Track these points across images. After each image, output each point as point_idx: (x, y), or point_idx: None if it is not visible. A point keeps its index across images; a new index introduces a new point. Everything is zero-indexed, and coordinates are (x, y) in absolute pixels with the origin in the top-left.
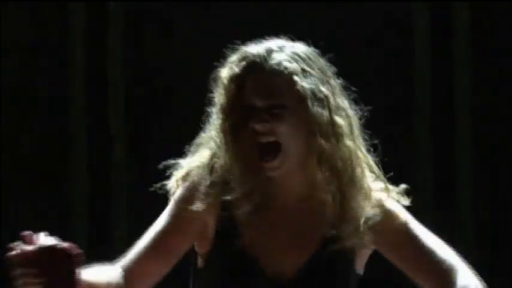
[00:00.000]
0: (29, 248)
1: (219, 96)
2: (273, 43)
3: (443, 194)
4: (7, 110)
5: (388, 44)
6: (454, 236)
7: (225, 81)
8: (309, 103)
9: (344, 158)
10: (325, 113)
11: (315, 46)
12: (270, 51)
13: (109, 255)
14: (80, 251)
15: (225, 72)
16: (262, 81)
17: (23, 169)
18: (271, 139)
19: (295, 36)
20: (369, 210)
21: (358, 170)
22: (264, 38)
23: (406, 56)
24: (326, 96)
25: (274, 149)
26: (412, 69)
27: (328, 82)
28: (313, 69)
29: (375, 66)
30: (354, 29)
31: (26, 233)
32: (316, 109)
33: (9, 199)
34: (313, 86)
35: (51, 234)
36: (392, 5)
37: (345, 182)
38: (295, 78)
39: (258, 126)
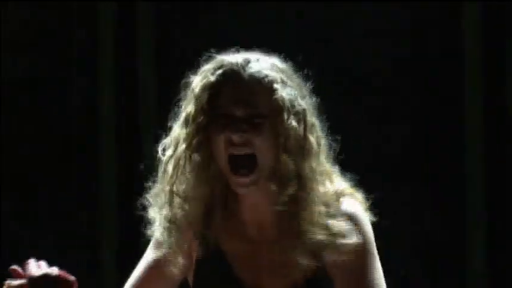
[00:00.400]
0: (20, 280)
1: (187, 106)
2: (249, 54)
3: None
4: (34, 107)
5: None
6: None
7: (197, 90)
8: (285, 115)
9: (305, 177)
10: (301, 128)
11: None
12: (247, 61)
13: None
14: (72, 278)
15: (197, 81)
16: (241, 90)
17: (50, 167)
18: (248, 151)
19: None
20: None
21: (318, 191)
22: (238, 50)
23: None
24: (304, 111)
25: (249, 162)
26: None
27: (304, 98)
28: (292, 81)
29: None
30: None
31: (14, 266)
32: (291, 122)
33: (38, 199)
34: (292, 98)
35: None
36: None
37: (303, 205)
38: (276, 86)
39: (235, 137)
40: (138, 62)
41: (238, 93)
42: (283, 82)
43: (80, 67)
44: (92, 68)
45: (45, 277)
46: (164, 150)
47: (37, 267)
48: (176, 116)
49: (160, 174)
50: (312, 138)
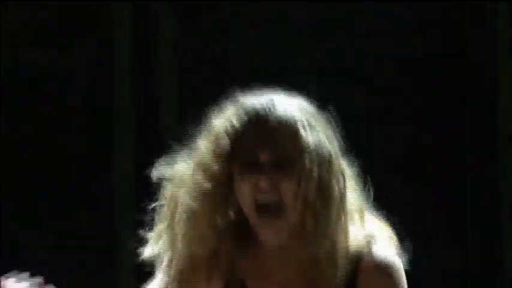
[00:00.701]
0: None
1: (207, 149)
2: (273, 95)
3: None
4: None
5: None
6: None
7: (220, 137)
8: (308, 160)
9: (327, 227)
10: (324, 173)
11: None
12: (272, 101)
13: None
14: None
15: (219, 126)
16: (266, 134)
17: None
18: (275, 198)
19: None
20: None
21: (341, 241)
22: (261, 90)
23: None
24: (329, 155)
25: (275, 209)
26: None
27: (330, 141)
28: (318, 123)
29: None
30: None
31: None
32: (314, 167)
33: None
34: (317, 143)
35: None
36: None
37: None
38: (301, 130)
39: (262, 182)
40: (155, 62)
41: (262, 138)
42: (309, 125)
43: (88, 67)
44: (106, 69)
45: None
46: (169, 182)
47: (16, 284)
48: (188, 152)
49: (163, 213)
50: (336, 184)
